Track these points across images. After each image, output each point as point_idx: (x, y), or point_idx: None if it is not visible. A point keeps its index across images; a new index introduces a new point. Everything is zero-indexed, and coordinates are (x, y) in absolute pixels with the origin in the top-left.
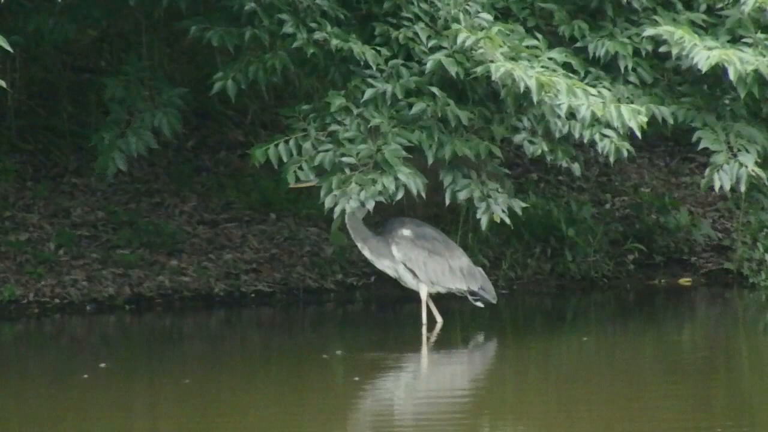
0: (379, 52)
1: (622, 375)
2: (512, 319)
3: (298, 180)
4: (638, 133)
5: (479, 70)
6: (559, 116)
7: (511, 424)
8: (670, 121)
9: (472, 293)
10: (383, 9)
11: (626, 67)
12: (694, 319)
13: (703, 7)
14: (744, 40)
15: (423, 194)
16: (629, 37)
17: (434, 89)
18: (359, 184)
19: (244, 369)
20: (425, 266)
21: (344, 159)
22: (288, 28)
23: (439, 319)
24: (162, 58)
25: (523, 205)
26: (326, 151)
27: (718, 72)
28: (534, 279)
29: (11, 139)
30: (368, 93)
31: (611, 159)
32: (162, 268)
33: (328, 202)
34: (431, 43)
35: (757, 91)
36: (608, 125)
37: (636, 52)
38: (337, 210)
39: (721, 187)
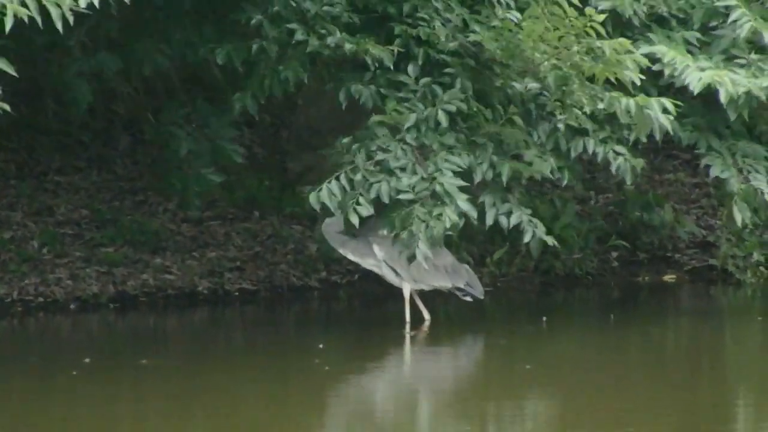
0: (393, 51)
1: (607, 372)
2: (497, 317)
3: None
4: (670, 130)
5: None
6: (597, 108)
7: (496, 422)
8: (680, 133)
9: (459, 289)
10: (401, 11)
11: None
12: (679, 316)
13: (698, 24)
14: (737, 60)
15: (475, 219)
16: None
17: (497, 105)
18: (422, 220)
19: (228, 366)
20: (407, 264)
21: (401, 197)
22: (299, 36)
23: (426, 316)
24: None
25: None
26: (379, 182)
27: (711, 91)
28: (518, 276)
29: None
30: (411, 119)
31: (628, 180)
32: (146, 266)
33: (401, 246)
34: (452, 45)
35: (746, 114)
36: (619, 141)
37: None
38: (409, 254)
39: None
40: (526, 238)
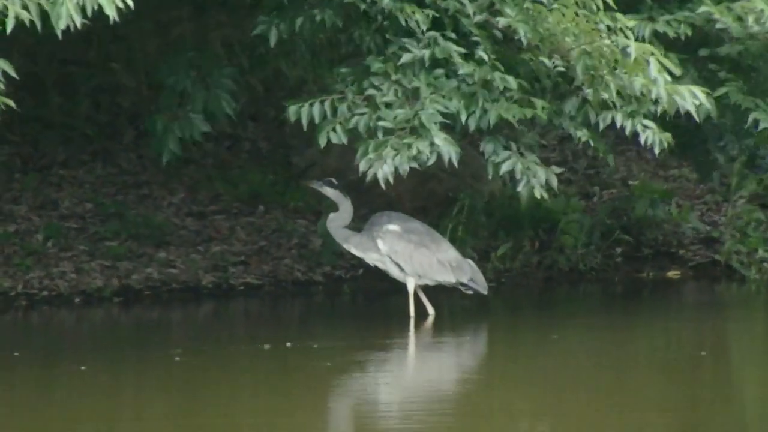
0: (428, 15)
1: (610, 369)
2: (501, 312)
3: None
4: (696, 118)
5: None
6: (633, 91)
7: (498, 417)
8: (713, 115)
9: (463, 284)
10: None
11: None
12: (683, 312)
13: None
14: None
15: (455, 163)
16: (668, 23)
17: (481, 52)
18: (395, 149)
19: (232, 360)
20: (411, 259)
21: (380, 123)
22: None
23: (430, 310)
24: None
25: (558, 170)
26: (362, 114)
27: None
28: (522, 272)
29: None
30: (405, 57)
31: (656, 150)
32: (150, 260)
33: (362, 166)
34: (477, 18)
35: None
36: (646, 116)
37: (671, 42)
38: (370, 173)
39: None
40: (519, 187)
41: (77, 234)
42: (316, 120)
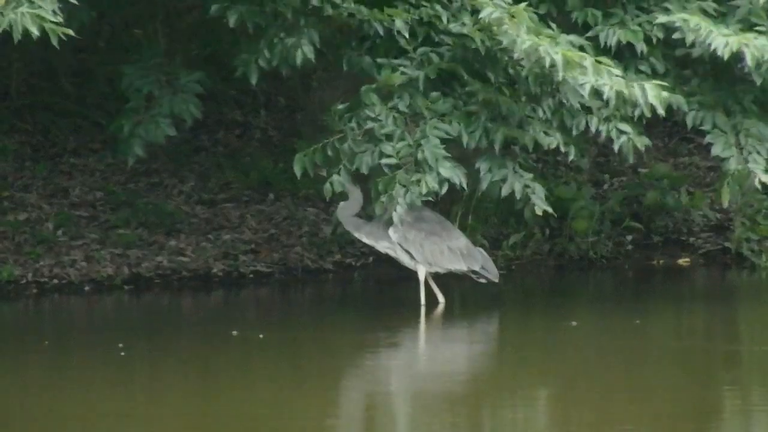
0: (406, 21)
1: (621, 356)
2: (512, 300)
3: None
4: (662, 112)
5: (505, 42)
6: (582, 96)
7: (509, 404)
8: (685, 109)
9: (474, 272)
10: None
11: (641, 52)
12: (693, 299)
13: None
14: (756, 28)
15: (465, 185)
16: (640, 25)
17: (489, 72)
18: (403, 185)
19: (243, 349)
20: (422, 247)
21: (384, 161)
22: (315, 2)
23: (441, 299)
24: (169, 38)
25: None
26: (363, 152)
27: (730, 61)
28: (532, 260)
29: (10, 118)
30: (400, 79)
31: (629, 159)
32: (160, 248)
33: (377, 211)
34: (451, 25)
35: None
36: (623, 119)
37: (647, 41)
38: (386, 217)
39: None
40: (518, 206)
41: (88, 222)
42: (321, 165)
